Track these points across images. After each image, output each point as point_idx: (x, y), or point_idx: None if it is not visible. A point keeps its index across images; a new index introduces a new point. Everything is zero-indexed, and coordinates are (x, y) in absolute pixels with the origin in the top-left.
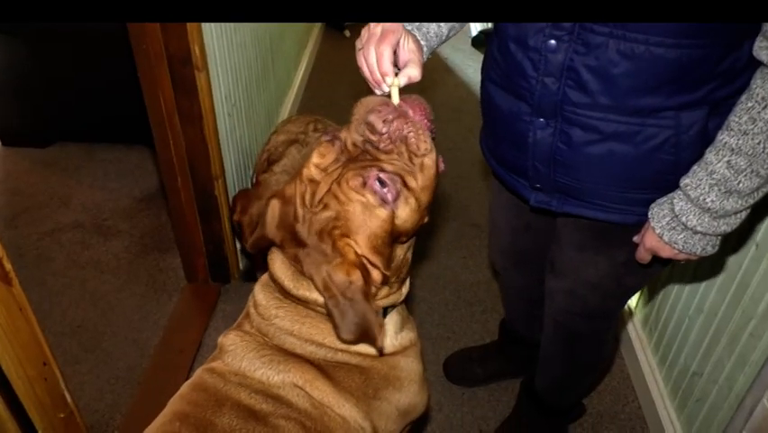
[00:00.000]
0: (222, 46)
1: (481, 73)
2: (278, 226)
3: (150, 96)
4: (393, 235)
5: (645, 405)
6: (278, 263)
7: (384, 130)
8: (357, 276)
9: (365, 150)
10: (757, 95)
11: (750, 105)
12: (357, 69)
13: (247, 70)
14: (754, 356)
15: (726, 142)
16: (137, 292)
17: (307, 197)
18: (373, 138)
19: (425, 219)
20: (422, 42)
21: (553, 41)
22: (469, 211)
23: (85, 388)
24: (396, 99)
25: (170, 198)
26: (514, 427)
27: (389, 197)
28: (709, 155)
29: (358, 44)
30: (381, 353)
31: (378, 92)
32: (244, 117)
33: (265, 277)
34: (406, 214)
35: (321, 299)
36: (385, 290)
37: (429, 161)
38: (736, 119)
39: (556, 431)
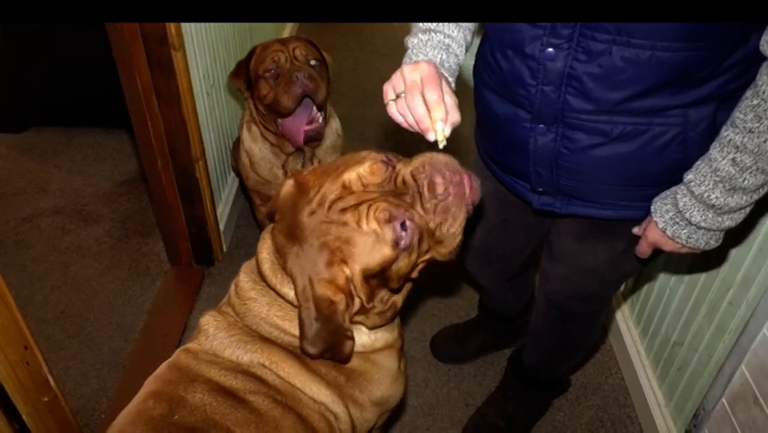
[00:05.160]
0: (198, 24)
1: (474, 76)
2: (282, 206)
3: (126, 76)
4: (384, 276)
5: (628, 376)
6: (267, 246)
7: (441, 197)
8: (341, 298)
9: (409, 193)
10: (763, 92)
11: (755, 102)
12: (338, 51)
13: (225, 49)
14: (733, 324)
15: (730, 140)
16: (120, 277)
17: (331, 197)
18: (426, 194)
19: (414, 275)
20: (450, 80)
21: (551, 50)
22: None
23: (69, 373)
24: (442, 145)
25: (151, 180)
26: (499, 400)
27: (402, 243)
28: (713, 152)
29: (390, 94)
30: (345, 363)
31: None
32: (223, 97)
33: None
34: (404, 264)
35: (290, 295)
36: (377, 319)
37: (447, 248)
38: (741, 116)
39: (541, 404)
